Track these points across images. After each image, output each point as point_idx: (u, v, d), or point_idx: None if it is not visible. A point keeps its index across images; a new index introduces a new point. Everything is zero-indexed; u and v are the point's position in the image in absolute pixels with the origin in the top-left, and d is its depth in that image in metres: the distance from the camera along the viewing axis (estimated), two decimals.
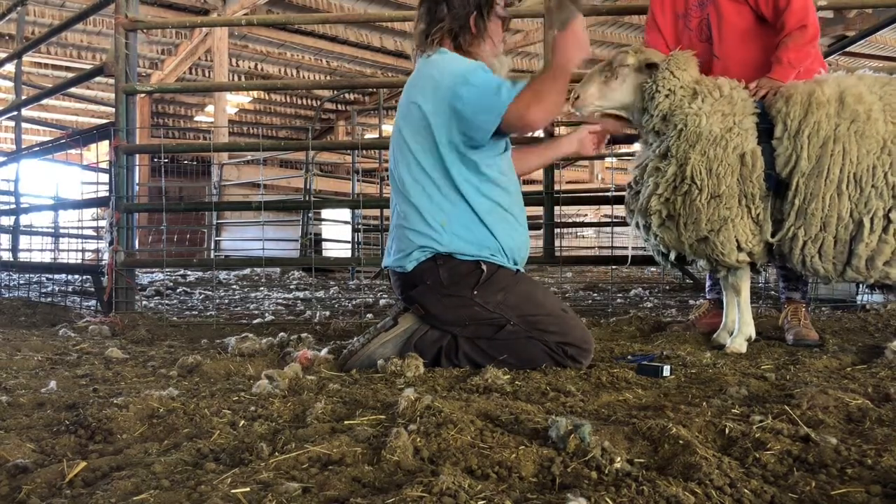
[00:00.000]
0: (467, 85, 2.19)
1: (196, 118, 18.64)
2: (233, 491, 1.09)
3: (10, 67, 6.16)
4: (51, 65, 13.54)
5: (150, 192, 12.00)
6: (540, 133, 3.42)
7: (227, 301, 5.22)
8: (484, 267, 2.25)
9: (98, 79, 4.93)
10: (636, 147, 2.90)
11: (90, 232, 7.87)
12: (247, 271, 8.31)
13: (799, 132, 2.39)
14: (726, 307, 2.75)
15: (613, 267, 3.91)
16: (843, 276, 2.43)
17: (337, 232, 10.82)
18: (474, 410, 1.55)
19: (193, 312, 4.34)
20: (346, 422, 1.50)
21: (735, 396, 1.75)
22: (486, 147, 2.28)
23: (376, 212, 10.38)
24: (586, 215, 14.89)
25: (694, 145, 2.46)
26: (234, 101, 17.23)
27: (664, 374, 2.05)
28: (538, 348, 2.22)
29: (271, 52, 14.18)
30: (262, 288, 6.62)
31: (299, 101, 18.20)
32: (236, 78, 14.50)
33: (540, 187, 3.66)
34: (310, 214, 8.86)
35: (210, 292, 5.80)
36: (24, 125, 5.91)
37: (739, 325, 2.62)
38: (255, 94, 17.27)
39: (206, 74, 14.74)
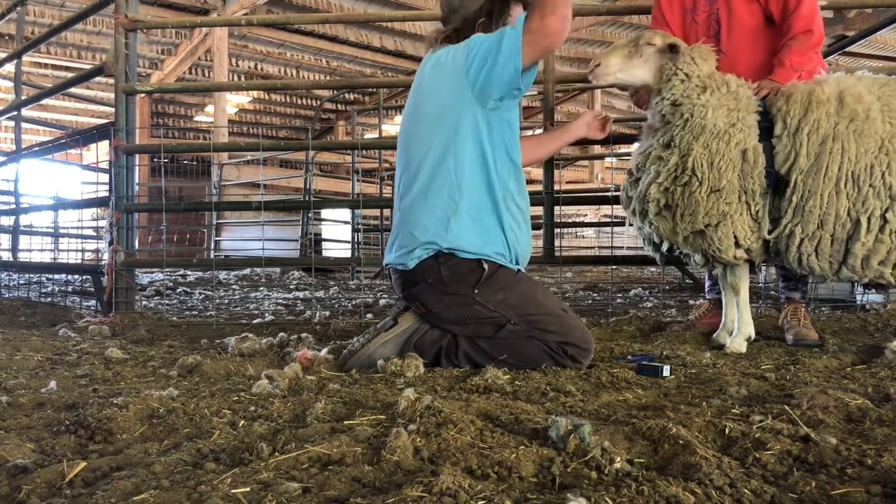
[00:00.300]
0: (471, 55, 2.22)
1: (196, 118, 18.64)
2: (233, 491, 1.09)
3: (10, 67, 6.15)
4: (51, 65, 13.55)
5: (150, 192, 12.00)
6: (538, 132, 3.43)
7: (226, 301, 5.22)
8: (485, 265, 2.25)
9: (98, 79, 4.93)
10: (636, 146, 2.91)
11: (90, 232, 7.88)
12: (247, 271, 8.32)
13: (798, 130, 2.40)
14: (725, 307, 2.75)
15: (613, 267, 3.91)
16: (839, 274, 2.43)
17: (337, 232, 10.82)
18: (474, 410, 1.55)
19: (193, 312, 4.34)
20: (346, 422, 1.50)
21: (735, 396, 1.75)
22: (515, 123, 2.31)
23: (376, 212, 10.39)
24: (586, 215, 14.89)
25: (697, 137, 2.46)
26: (234, 101, 17.24)
27: (664, 374, 2.05)
28: (538, 348, 2.22)
29: (271, 52, 14.19)
30: (262, 288, 6.63)
31: (299, 101, 18.21)
32: (236, 78, 14.51)
33: (540, 187, 3.66)
34: (310, 214, 8.86)
35: (210, 292, 5.80)
36: (24, 125, 5.91)
37: (739, 324, 2.62)
38: (254, 94, 17.28)
39: (206, 74, 14.75)
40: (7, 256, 6.67)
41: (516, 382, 1.97)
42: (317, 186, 12.49)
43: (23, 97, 5.43)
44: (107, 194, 3.92)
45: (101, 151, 4.35)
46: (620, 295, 5.27)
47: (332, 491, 1.10)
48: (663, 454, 1.28)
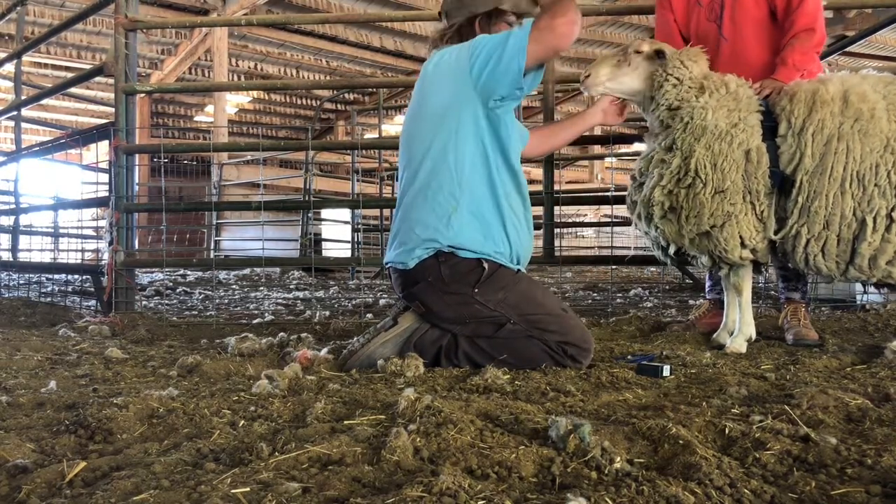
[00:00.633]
0: (475, 53, 2.22)
1: (196, 118, 18.65)
2: (233, 491, 1.09)
3: (9, 67, 6.15)
4: (51, 65, 13.55)
5: (150, 192, 12.00)
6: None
7: (226, 301, 5.22)
8: (485, 265, 2.25)
9: (98, 79, 4.93)
10: (636, 147, 2.91)
11: (90, 232, 7.87)
12: (246, 271, 8.32)
13: (803, 130, 2.39)
14: (727, 307, 2.75)
15: (613, 267, 3.91)
16: (846, 274, 2.43)
17: (337, 232, 10.82)
18: (474, 410, 1.55)
19: (193, 312, 4.34)
20: (346, 422, 1.50)
21: (735, 396, 1.75)
22: (511, 125, 2.32)
23: (376, 212, 10.39)
24: (586, 215, 14.90)
25: (699, 139, 2.46)
26: (234, 101, 17.24)
27: (664, 374, 2.05)
28: (538, 347, 2.22)
29: (271, 52, 14.19)
30: (261, 288, 6.63)
31: (299, 101, 18.21)
32: (236, 78, 14.51)
33: (540, 187, 3.66)
34: (309, 214, 8.86)
35: (210, 292, 5.80)
36: (23, 125, 5.90)
37: (740, 325, 2.62)
38: (254, 94, 17.28)
39: (206, 74, 14.75)
40: (7, 256, 6.67)
41: (516, 382, 1.97)
42: (317, 186, 12.50)
43: (23, 97, 5.43)
44: (107, 194, 3.92)
45: (101, 151, 4.35)
46: (620, 295, 5.27)
47: (332, 491, 1.10)
48: (663, 454, 1.28)
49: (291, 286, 6.80)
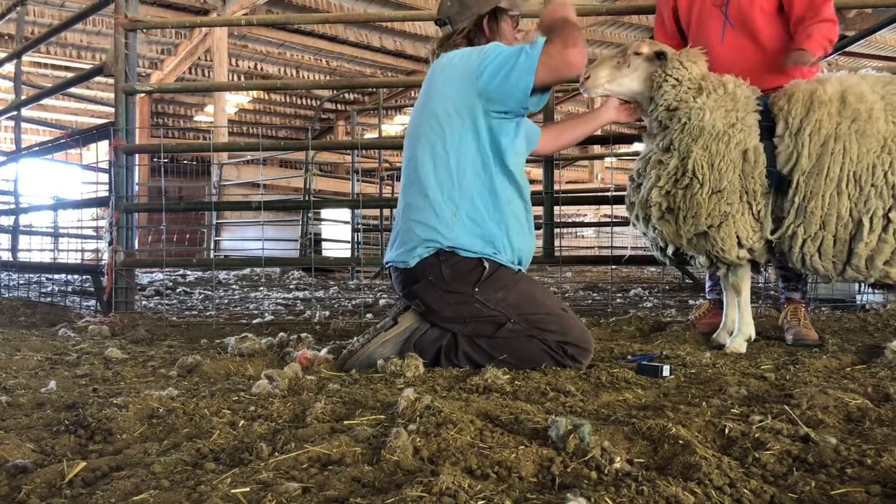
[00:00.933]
0: (485, 63, 2.22)
1: (196, 118, 18.65)
2: (233, 491, 1.09)
3: (9, 67, 6.15)
4: (50, 65, 13.55)
5: (150, 192, 12.00)
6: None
7: (226, 301, 5.22)
8: (486, 264, 2.26)
9: (98, 78, 4.93)
10: (636, 147, 2.91)
11: (90, 232, 7.87)
12: (246, 271, 8.31)
13: (800, 130, 2.39)
14: (726, 307, 2.75)
15: (613, 267, 3.91)
16: (843, 275, 2.43)
17: (337, 232, 10.82)
18: (474, 410, 1.55)
19: (193, 312, 4.34)
20: (345, 422, 1.50)
21: (735, 396, 1.75)
22: (514, 135, 2.32)
23: (376, 212, 10.39)
24: (586, 215, 14.90)
25: (696, 139, 2.46)
26: (234, 101, 17.24)
27: (664, 374, 2.05)
28: (538, 347, 2.22)
29: (271, 52, 14.19)
30: (261, 288, 6.63)
31: (299, 101, 18.22)
32: (236, 78, 14.51)
33: (540, 187, 3.66)
34: (309, 214, 8.86)
35: (210, 292, 5.80)
36: (23, 125, 5.90)
37: (739, 325, 2.62)
38: (254, 94, 17.28)
39: (206, 74, 14.75)
40: (7, 256, 6.66)
41: (516, 382, 1.97)
42: (317, 186, 12.50)
43: (23, 97, 5.43)
44: (107, 194, 3.92)
45: (101, 151, 4.35)
46: (620, 295, 5.27)
47: (332, 491, 1.10)
48: (663, 454, 1.28)
49: (291, 286, 6.80)
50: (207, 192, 11.22)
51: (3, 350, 2.51)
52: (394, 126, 18.64)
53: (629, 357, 2.37)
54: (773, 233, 2.46)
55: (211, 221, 10.09)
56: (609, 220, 5.04)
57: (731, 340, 2.60)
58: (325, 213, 10.88)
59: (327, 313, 3.92)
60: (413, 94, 16.34)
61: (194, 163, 15.09)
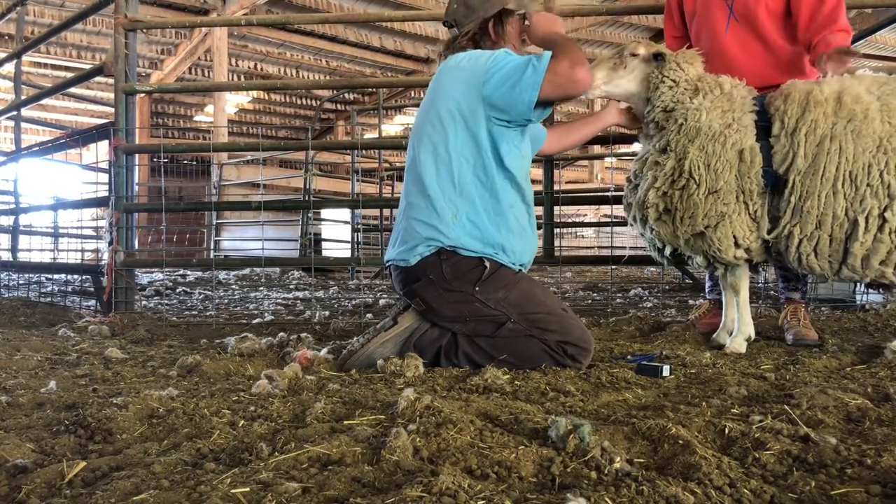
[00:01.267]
0: (493, 71, 2.22)
1: (196, 118, 18.64)
2: (232, 491, 1.09)
3: (9, 67, 6.15)
4: (50, 65, 13.54)
5: (150, 192, 11.99)
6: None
7: (226, 301, 5.22)
8: (487, 264, 2.26)
9: (98, 78, 4.93)
10: (636, 147, 2.92)
11: (90, 232, 7.87)
12: (246, 271, 8.31)
13: (796, 130, 2.39)
14: (725, 307, 2.75)
15: (613, 267, 3.91)
16: (839, 274, 2.43)
17: (337, 232, 10.82)
18: (474, 410, 1.55)
19: (193, 312, 4.34)
20: (345, 422, 1.50)
21: (735, 396, 1.75)
22: (517, 142, 2.33)
23: (376, 212, 10.39)
24: (586, 215, 14.90)
25: (693, 140, 2.47)
26: (234, 101, 17.23)
27: (664, 374, 2.05)
28: (538, 347, 2.23)
29: (271, 52, 14.19)
30: (261, 288, 6.63)
31: (299, 101, 18.21)
32: (236, 78, 14.51)
33: (540, 187, 3.66)
34: (309, 214, 8.86)
35: (210, 292, 5.80)
36: (23, 125, 5.91)
37: (739, 324, 2.62)
38: (254, 94, 17.28)
39: (206, 74, 14.75)
40: (7, 256, 6.66)
41: (516, 382, 1.97)
42: (316, 186, 12.50)
43: (22, 97, 5.43)
44: (106, 194, 3.92)
45: (100, 151, 4.35)
46: (620, 295, 5.27)
47: (332, 491, 1.10)
48: (663, 454, 1.28)
49: (291, 286, 6.80)
50: (207, 192, 11.22)
51: (3, 350, 2.51)
52: (394, 126, 18.64)
53: (629, 357, 2.37)
54: (769, 232, 2.46)
55: (211, 221, 10.09)
56: (609, 220, 5.04)
57: (730, 340, 2.60)
58: (325, 213, 10.88)
59: (327, 313, 3.92)
60: (413, 94, 16.36)
61: (194, 163, 15.09)
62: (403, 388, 1.84)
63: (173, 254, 8.19)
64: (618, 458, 1.20)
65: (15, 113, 5.37)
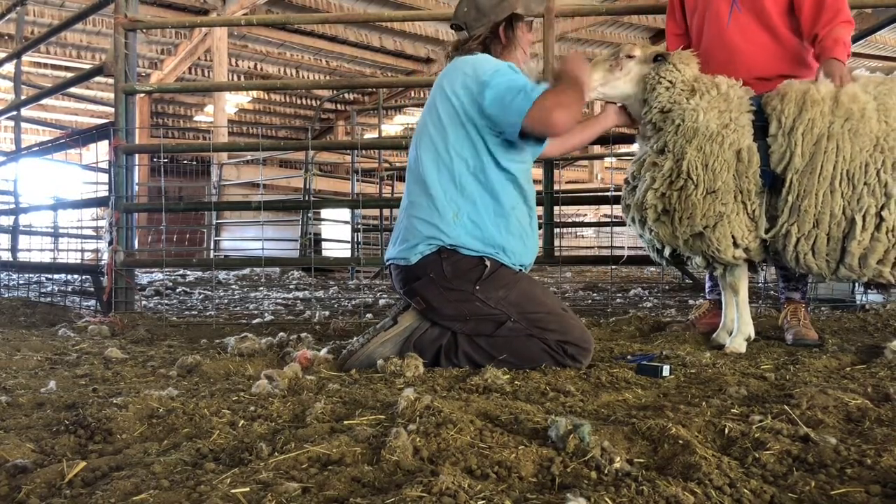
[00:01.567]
0: (491, 85, 2.23)
1: (195, 118, 18.63)
2: (232, 491, 1.09)
3: (9, 67, 6.15)
4: (50, 65, 13.53)
5: (150, 192, 11.99)
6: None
7: (226, 301, 5.22)
8: (487, 263, 2.27)
9: (98, 78, 4.93)
10: (635, 147, 2.92)
11: (90, 232, 7.87)
12: (246, 271, 8.31)
13: (793, 129, 2.39)
14: (725, 307, 2.75)
15: (613, 267, 3.92)
16: (837, 273, 2.43)
17: (337, 232, 10.82)
18: (474, 410, 1.55)
19: (193, 312, 4.34)
20: (345, 422, 1.50)
21: (734, 396, 1.75)
22: (516, 147, 2.34)
23: (376, 212, 10.38)
24: (586, 215, 14.90)
25: (690, 141, 2.47)
26: (234, 101, 17.23)
27: (664, 374, 2.05)
28: (538, 346, 2.23)
29: (271, 52, 14.18)
30: (261, 288, 6.62)
31: (299, 101, 18.20)
32: (236, 78, 14.50)
33: (540, 187, 3.66)
34: (309, 214, 8.85)
35: (210, 292, 5.80)
36: (23, 125, 5.91)
37: (738, 324, 2.63)
38: (254, 94, 17.27)
39: (206, 74, 14.74)
40: (7, 256, 6.66)
41: (516, 382, 1.97)
42: (316, 186, 12.49)
43: (22, 97, 5.43)
44: (106, 194, 3.92)
45: (100, 151, 4.35)
46: (620, 295, 5.27)
47: (332, 491, 1.10)
48: (663, 454, 1.28)
49: (291, 286, 6.80)
50: (207, 192, 11.22)
51: (3, 350, 2.51)
52: (394, 126, 18.63)
53: (629, 357, 2.37)
54: (767, 231, 2.46)
55: (211, 221, 10.08)
56: (609, 220, 5.04)
57: (730, 340, 2.60)
58: (325, 213, 10.88)
59: (327, 313, 3.92)
60: (413, 94, 16.35)
61: (194, 163, 15.08)
62: (403, 388, 1.84)
63: (173, 254, 8.19)
64: (618, 458, 1.20)
65: (15, 113, 5.37)
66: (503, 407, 1.60)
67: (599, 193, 8.32)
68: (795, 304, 2.87)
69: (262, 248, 4.52)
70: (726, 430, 1.39)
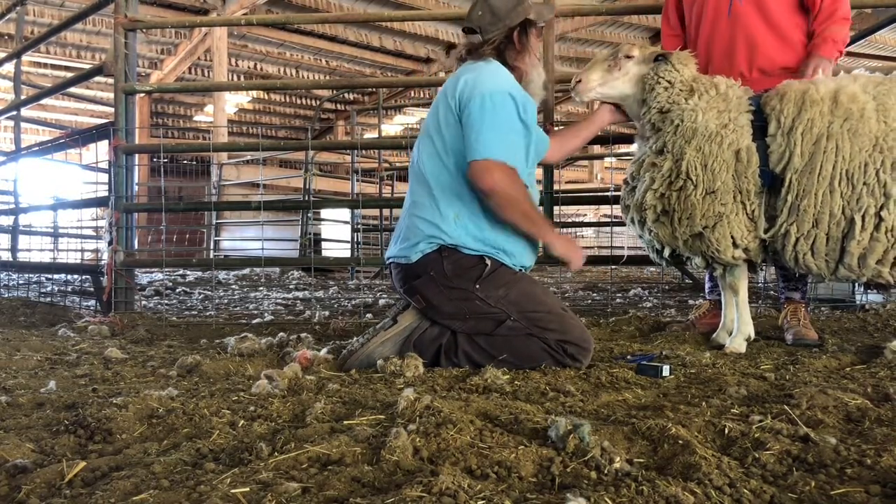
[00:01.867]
0: (473, 111, 2.24)
1: (195, 118, 18.63)
2: (232, 491, 1.09)
3: (9, 67, 6.15)
4: (50, 64, 13.53)
5: (150, 192, 11.98)
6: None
7: (226, 301, 5.22)
8: (488, 262, 2.27)
9: (97, 78, 4.93)
10: (634, 147, 2.91)
11: (90, 232, 7.87)
12: (246, 271, 8.31)
13: (792, 129, 2.39)
14: (725, 307, 2.75)
15: (613, 267, 3.92)
16: (836, 273, 2.43)
17: (336, 232, 10.82)
18: (474, 410, 1.55)
19: (193, 312, 4.34)
20: (345, 422, 1.50)
21: (734, 396, 1.75)
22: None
23: (376, 212, 10.38)
24: (586, 215, 14.90)
25: (689, 141, 2.47)
26: (234, 101, 17.22)
27: (664, 374, 2.05)
28: (538, 346, 2.23)
29: (271, 52, 14.18)
30: (261, 288, 6.62)
31: (299, 101, 18.19)
32: (236, 78, 14.50)
33: (540, 187, 3.66)
34: (309, 214, 8.85)
35: (209, 292, 5.80)
36: (23, 125, 5.91)
37: (738, 324, 2.62)
38: (254, 93, 17.27)
39: (206, 74, 14.74)
40: (6, 256, 6.66)
41: (516, 382, 1.97)
42: (316, 186, 12.49)
43: (22, 97, 5.43)
44: (106, 194, 3.92)
45: (100, 151, 4.35)
46: (620, 295, 5.27)
47: (332, 491, 1.10)
48: (663, 454, 1.28)
49: (291, 286, 6.80)
50: (207, 192, 11.21)
51: (3, 350, 2.51)
52: (393, 126, 18.63)
53: (629, 357, 2.37)
54: (766, 231, 2.46)
55: (211, 221, 10.08)
56: (609, 220, 5.04)
57: (730, 340, 2.60)
58: (325, 213, 10.87)
59: (327, 313, 3.92)
60: (413, 94, 16.35)
61: (194, 163, 15.08)
62: (403, 388, 1.84)
63: (173, 254, 8.19)
64: (618, 458, 1.20)
65: (15, 113, 5.37)
66: (503, 407, 1.60)
67: (599, 193, 8.32)
68: (795, 304, 2.87)
69: (262, 248, 4.52)
70: (726, 430, 1.39)
